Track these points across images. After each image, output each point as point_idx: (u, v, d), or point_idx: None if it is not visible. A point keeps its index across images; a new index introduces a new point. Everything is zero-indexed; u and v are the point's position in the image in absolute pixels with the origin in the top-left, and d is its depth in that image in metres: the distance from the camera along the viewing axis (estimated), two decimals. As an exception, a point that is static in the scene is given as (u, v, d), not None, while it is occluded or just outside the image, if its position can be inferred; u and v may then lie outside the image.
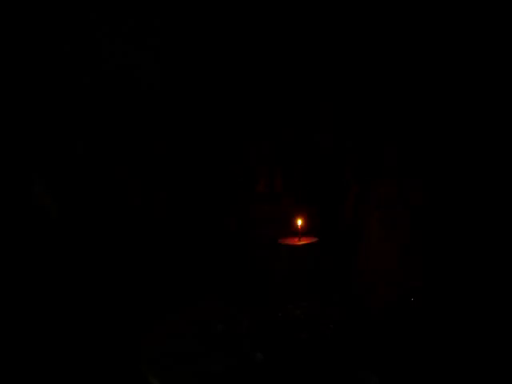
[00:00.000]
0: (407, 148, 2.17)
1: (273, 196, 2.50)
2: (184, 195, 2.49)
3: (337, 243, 2.22)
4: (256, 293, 2.02)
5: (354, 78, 2.36)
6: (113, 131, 2.43)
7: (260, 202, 2.49)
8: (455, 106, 2.11)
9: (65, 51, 2.34)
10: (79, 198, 2.30)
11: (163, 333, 1.75)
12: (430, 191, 2.09)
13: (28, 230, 2.14)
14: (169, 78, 2.52)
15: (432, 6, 2.14)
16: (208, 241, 2.40)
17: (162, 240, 2.34)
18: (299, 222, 2.05)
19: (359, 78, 2.34)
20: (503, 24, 2.01)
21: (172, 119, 2.53)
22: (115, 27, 2.41)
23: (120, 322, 2.01)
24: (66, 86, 2.37)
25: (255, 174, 2.53)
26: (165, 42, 2.51)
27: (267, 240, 2.18)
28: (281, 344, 1.60)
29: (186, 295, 2.06)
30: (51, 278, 2.10)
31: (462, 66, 2.10)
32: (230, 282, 2.18)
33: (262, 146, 2.55)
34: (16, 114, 2.26)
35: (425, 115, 2.17)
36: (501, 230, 1.96)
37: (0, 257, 2.06)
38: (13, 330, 1.94)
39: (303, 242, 2.00)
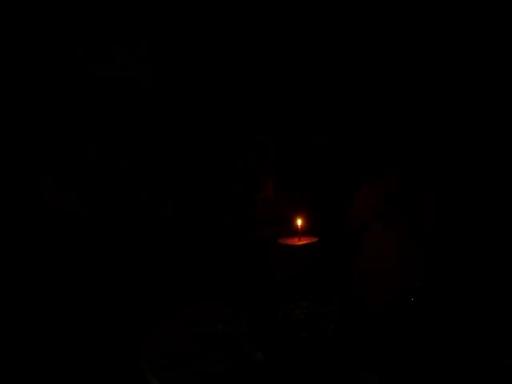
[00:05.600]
0: (407, 148, 2.17)
1: (273, 196, 2.50)
2: (184, 195, 2.49)
3: (337, 243, 2.22)
4: (256, 293, 2.02)
5: (354, 73, 2.36)
6: (120, 132, 2.43)
7: (260, 202, 2.49)
8: (454, 110, 2.11)
9: (78, 56, 2.34)
10: (89, 197, 2.30)
11: (163, 333, 1.75)
12: (431, 191, 2.09)
13: (37, 230, 2.14)
14: (170, 80, 2.52)
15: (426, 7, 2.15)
16: (208, 241, 2.40)
17: (161, 240, 2.34)
18: (299, 222, 2.05)
19: (360, 75, 2.34)
20: (498, 23, 2.01)
21: (172, 119, 2.53)
22: (114, 28, 2.41)
23: (120, 321, 2.01)
24: (66, 89, 2.37)
25: (256, 174, 2.54)
26: (163, 44, 2.51)
27: (267, 240, 2.18)
28: (281, 344, 1.60)
29: (186, 295, 2.06)
30: (52, 277, 2.10)
31: (458, 72, 2.10)
32: (230, 281, 2.18)
33: (262, 145, 2.55)
34: (27, 117, 2.27)
35: (425, 116, 2.17)
36: (501, 230, 1.96)
37: (8, 256, 2.07)
38: (13, 329, 1.94)
39: (303, 241, 2.00)
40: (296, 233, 2.05)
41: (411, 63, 2.21)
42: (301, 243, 1.99)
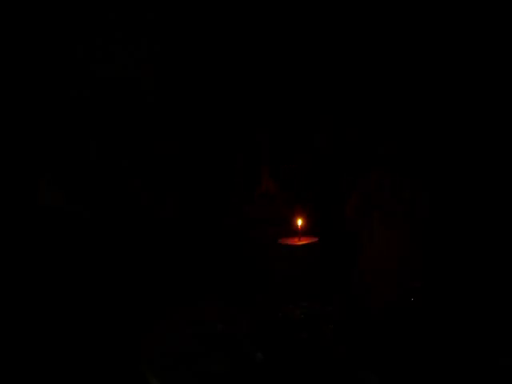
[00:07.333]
0: (407, 147, 2.17)
1: (273, 196, 2.50)
2: (184, 195, 2.49)
3: (337, 243, 2.22)
4: (256, 293, 2.02)
5: (354, 74, 2.35)
6: (120, 132, 2.43)
7: (260, 202, 2.49)
8: (453, 111, 2.11)
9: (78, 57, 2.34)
10: (89, 197, 2.31)
11: (163, 333, 1.75)
12: (431, 191, 2.09)
13: (37, 230, 2.14)
14: (170, 80, 2.52)
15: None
16: (208, 241, 2.40)
17: (161, 240, 2.34)
18: (299, 222, 2.05)
19: (360, 75, 2.34)
20: (497, 23, 2.01)
21: (172, 119, 2.53)
22: (114, 28, 2.41)
23: (120, 321, 2.01)
24: (66, 89, 2.37)
25: (255, 174, 2.54)
26: (163, 44, 2.51)
27: (267, 240, 2.18)
28: (281, 344, 1.60)
29: (186, 295, 2.06)
30: (52, 277, 2.10)
31: (457, 72, 2.11)
32: (230, 281, 2.18)
33: (262, 145, 2.55)
34: (27, 117, 2.27)
35: (424, 116, 2.17)
36: (500, 231, 1.96)
37: (8, 256, 2.07)
38: (13, 330, 1.94)
39: (303, 241, 2.00)
40: (296, 233, 2.05)
41: (411, 64, 2.21)
42: (301, 243, 1.99)
